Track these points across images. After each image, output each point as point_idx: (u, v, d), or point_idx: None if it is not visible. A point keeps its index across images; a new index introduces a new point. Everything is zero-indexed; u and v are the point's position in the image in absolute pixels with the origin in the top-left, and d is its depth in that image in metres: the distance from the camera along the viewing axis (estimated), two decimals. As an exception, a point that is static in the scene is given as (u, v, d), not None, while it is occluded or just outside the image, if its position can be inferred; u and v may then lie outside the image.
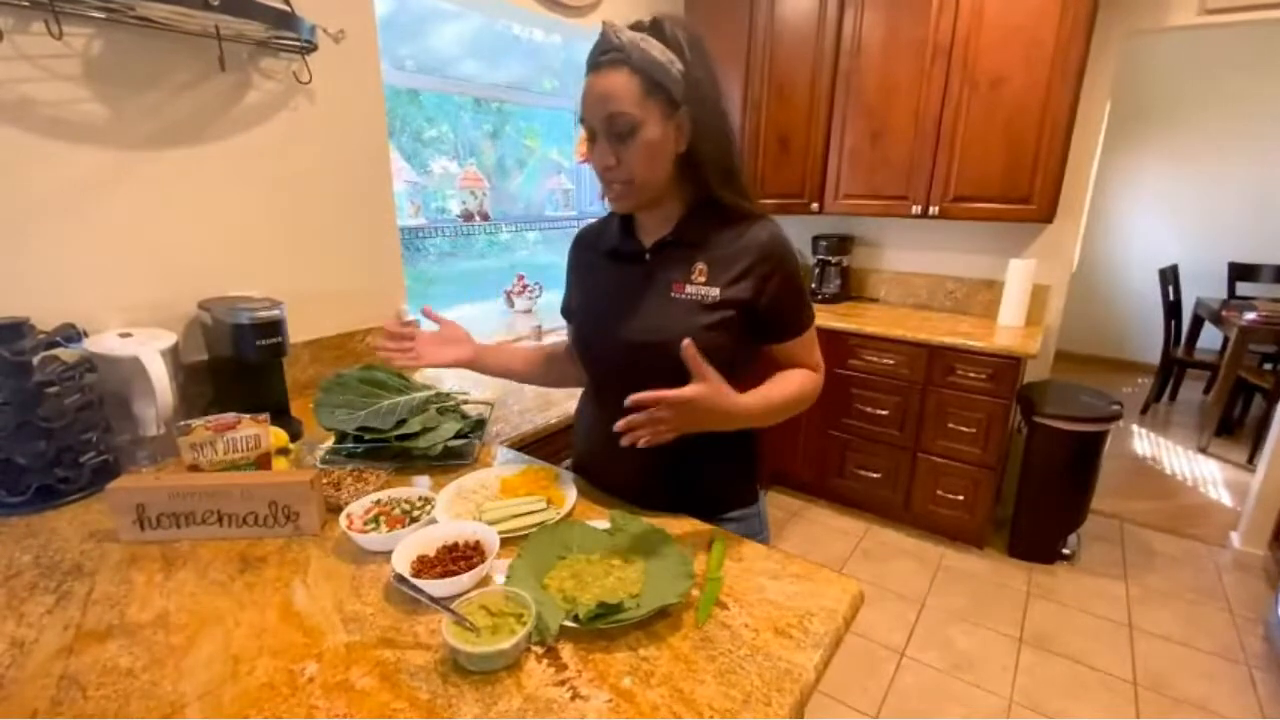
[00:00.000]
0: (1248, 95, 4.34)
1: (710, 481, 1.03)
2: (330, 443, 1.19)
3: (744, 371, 1.02)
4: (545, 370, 1.21)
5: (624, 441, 0.84)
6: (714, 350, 0.93)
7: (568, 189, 2.59)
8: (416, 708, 0.63)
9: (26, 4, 1.09)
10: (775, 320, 0.97)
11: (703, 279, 0.95)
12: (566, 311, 1.14)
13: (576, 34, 2.45)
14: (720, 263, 0.95)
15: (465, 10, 2.15)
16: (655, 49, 0.85)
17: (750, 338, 0.98)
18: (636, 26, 0.88)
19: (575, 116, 2.68)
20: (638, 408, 0.81)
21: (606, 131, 0.88)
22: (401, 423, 1.15)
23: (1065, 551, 2.51)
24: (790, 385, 0.98)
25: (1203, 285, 4.39)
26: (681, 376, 0.92)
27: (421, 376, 1.71)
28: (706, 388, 0.83)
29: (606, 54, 0.86)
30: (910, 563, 2.51)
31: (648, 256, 0.99)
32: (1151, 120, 4.65)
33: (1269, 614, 2.12)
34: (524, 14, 2.19)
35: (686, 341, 0.82)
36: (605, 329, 1.01)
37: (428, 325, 1.17)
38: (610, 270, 1.04)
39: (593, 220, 1.15)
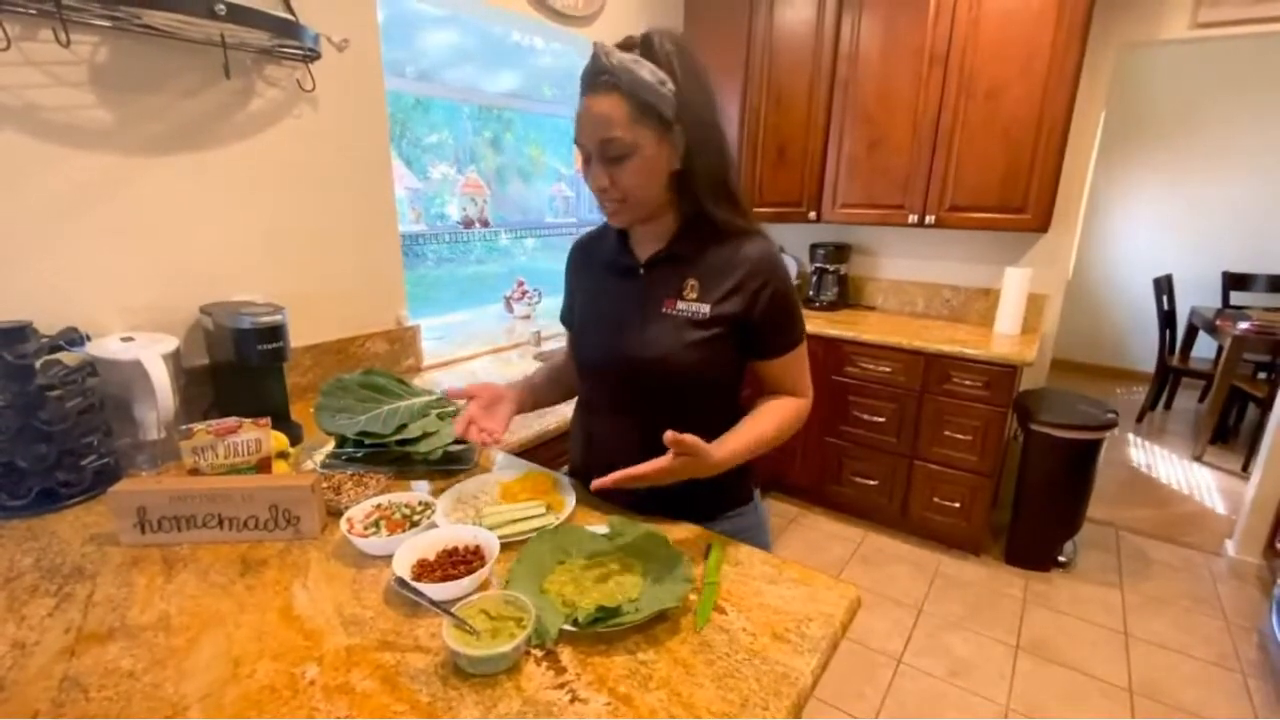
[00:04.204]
0: (1241, 107, 4.38)
1: (706, 486, 1.02)
2: (330, 447, 1.20)
3: (739, 387, 1.02)
4: (569, 387, 1.19)
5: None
6: (704, 367, 0.94)
7: (567, 195, 2.60)
8: (417, 710, 0.64)
9: (34, 11, 1.10)
10: (765, 335, 0.96)
11: (694, 295, 0.95)
12: (566, 319, 1.15)
13: (576, 42, 2.47)
14: (712, 279, 0.94)
15: (465, 17, 2.17)
16: (646, 70, 0.84)
17: (742, 354, 0.97)
18: (627, 45, 0.87)
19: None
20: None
21: (600, 155, 0.89)
22: (402, 427, 1.16)
23: (1061, 559, 2.52)
24: (774, 419, 0.98)
25: (1197, 294, 4.42)
26: (672, 392, 0.94)
27: (423, 382, 1.72)
28: (676, 462, 0.85)
29: (599, 77, 0.85)
30: (907, 569, 2.51)
31: (641, 271, 0.99)
32: (1146, 131, 4.69)
33: (1263, 622, 2.13)
34: (525, 22, 2.20)
35: (669, 434, 0.82)
36: (599, 344, 1.02)
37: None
38: (606, 283, 1.04)
39: (592, 227, 1.15)
